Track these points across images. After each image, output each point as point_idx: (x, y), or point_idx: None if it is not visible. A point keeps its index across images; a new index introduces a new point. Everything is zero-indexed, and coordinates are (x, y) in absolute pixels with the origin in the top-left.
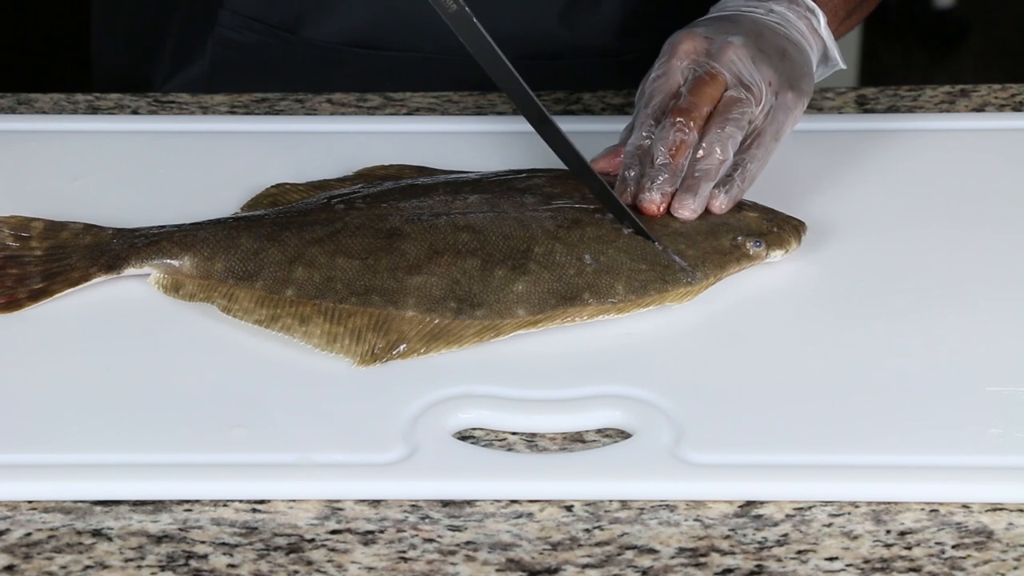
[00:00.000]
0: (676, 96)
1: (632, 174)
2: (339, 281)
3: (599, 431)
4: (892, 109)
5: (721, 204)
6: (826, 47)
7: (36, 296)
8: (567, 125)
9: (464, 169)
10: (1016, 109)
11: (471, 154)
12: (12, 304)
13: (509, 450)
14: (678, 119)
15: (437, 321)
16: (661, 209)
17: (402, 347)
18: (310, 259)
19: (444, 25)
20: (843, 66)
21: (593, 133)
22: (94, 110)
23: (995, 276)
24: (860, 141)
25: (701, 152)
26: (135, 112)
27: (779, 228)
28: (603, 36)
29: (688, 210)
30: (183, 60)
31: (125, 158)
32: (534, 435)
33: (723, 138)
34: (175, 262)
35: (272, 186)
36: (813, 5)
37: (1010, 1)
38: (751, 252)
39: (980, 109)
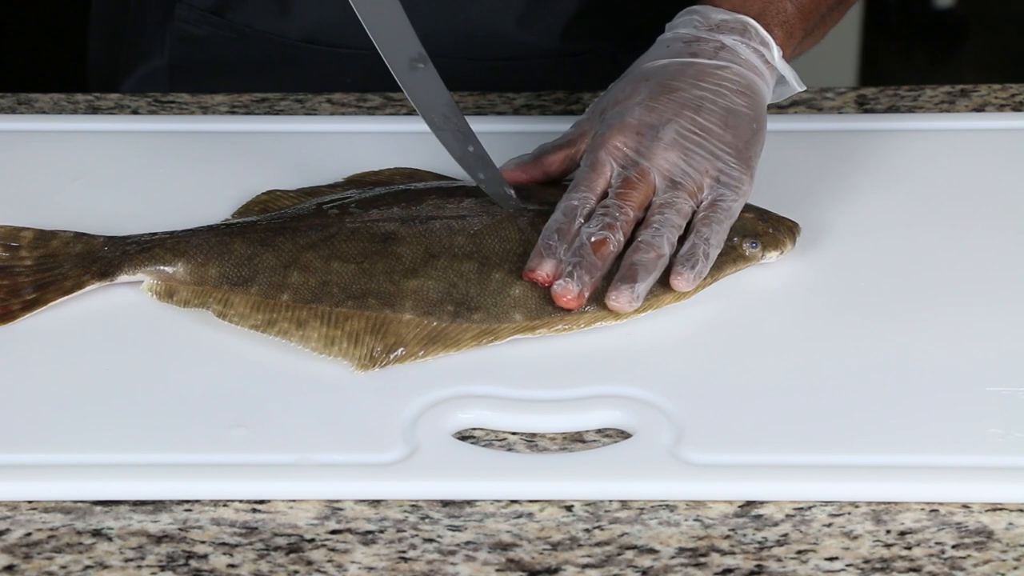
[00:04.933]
0: (604, 194)
1: (549, 249)
2: (335, 285)
3: (599, 431)
4: (892, 109)
5: (688, 281)
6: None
7: (29, 306)
8: (567, 125)
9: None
10: (1016, 109)
11: None
12: (6, 316)
13: (509, 450)
14: (604, 230)
15: (435, 324)
16: (577, 304)
17: (400, 351)
18: (305, 264)
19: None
20: (800, 88)
21: None
22: (94, 110)
23: (995, 276)
24: (860, 141)
25: (637, 248)
26: (135, 112)
27: (774, 229)
28: (557, 36)
29: (626, 301)
30: (142, 55)
31: (125, 158)
32: (534, 435)
33: (659, 236)
34: (168, 268)
35: (263, 193)
36: (767, 37)
37: (1010, 1)
38: (747, 253)
39: (980, 109)
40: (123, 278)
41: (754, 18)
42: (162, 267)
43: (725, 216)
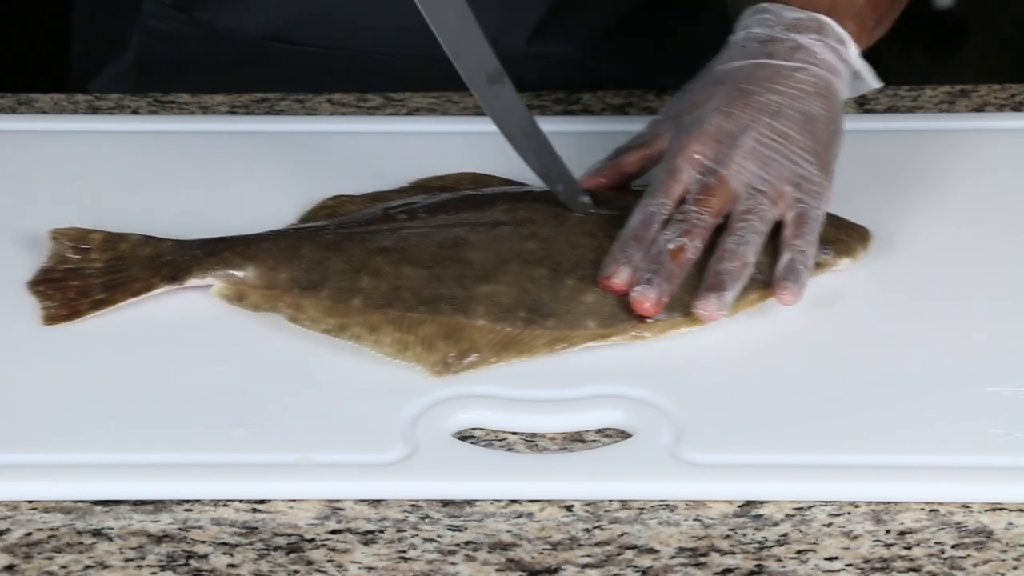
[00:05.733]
0: (681, 201)
1: (626, 256)
2: (406, 290)
3: (599, 431)
4: (892, 109)
5: (794, 295)
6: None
7: (97, 305)
8: (566, 125)
9: (466, 168)
10: (1016, 109)
11: (471, 154)
12: (73, 315)
13: (509, 450)
14: (683, 236)
15: (508, 330)
16: (655, 311)
17: (474, 356)
18: (375, 268)
19: (367, 22)
20: (877, 84)
21: (593, 133)
22: (94, 110)
23: (995, 276)
24: (860, 141)
25: (722, 256)
26: (135, 112)
27: (847, 236)
28: (524, 40)
29: (714, 308)
30: (112, 52)
31: (125, 158)
32: (534, 435)
33: (744, 243)
34: (238, 273)
35: (329, 198)
36: (843, 34)
37: (1010, 1)
38: (820, 260)
39: (980, 109)
40: (192, 282)
41: (825, 13)
42: (231, 271)
43: (815, 225)
